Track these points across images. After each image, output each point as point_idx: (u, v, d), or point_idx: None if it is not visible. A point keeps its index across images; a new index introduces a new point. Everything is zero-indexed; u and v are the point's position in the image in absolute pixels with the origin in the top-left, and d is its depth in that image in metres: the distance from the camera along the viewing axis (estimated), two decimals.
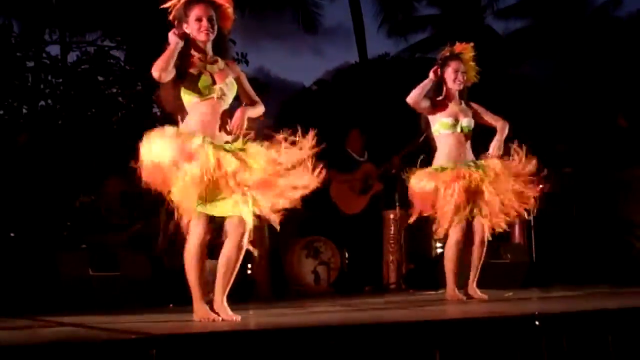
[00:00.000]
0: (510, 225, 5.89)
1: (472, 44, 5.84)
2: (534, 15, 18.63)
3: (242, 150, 4.10)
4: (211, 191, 4.00)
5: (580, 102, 15.90)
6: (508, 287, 6.82)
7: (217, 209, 4.08)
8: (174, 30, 4.14)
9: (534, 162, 5.57)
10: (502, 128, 5.77)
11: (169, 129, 4.07)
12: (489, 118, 5.85)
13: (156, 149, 3.97)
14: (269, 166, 4.06)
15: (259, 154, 4.08)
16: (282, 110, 17.86)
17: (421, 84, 5.65)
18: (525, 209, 5.66)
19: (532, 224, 8.42)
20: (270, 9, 15.75)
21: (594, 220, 9.80)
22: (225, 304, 4.16)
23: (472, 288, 5.74)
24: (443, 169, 5.58)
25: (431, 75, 5.68)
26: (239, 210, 4.04)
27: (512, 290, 6.58)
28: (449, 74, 5.75)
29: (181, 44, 4.13)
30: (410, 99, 5.63)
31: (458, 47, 5.81)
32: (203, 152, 3.95)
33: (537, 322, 3.59)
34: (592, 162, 11.25)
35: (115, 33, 12.77)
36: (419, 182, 5.62)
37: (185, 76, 4.18)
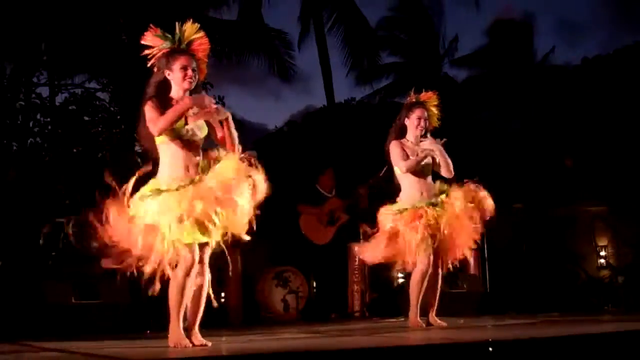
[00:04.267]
0: (465, 257, 5.84)
1: (435, 92, 5.83)
2: (486, 65, 18.90)
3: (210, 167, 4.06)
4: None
5: (530, 143, 16.09)
6: (464, 315, 6.80)
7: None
8: (189, 98, 4.09)
9: (489, 203, 5.56)
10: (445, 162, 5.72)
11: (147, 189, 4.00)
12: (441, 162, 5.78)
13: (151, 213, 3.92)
14: (239, 173, 3.99)
15: (227, 163, 4.03)
16: (255, 149, 17.79)
17: (417, 159, 5.61)
18: (472, 245, 5.65)
19: (486, 256, 8.44)
20: (245, 57, 15.69)
21: (543, 252, 9.88)
22: (197, 330, 4.10)
23: (433, 317, 5.71)
24: (404, 211, 5.55)
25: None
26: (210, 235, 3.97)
27: (467, 317, 6.56)
28: (412, 119, 5.72)
29: (190, 109, 4.08)
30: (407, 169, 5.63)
31: (423, 96, 5.78)
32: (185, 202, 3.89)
33: (490, 349, 3.56)
34: (541, 199, 11.34)
35: (101, 76, 12.72)
36: (385, 224, 5.59)
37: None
